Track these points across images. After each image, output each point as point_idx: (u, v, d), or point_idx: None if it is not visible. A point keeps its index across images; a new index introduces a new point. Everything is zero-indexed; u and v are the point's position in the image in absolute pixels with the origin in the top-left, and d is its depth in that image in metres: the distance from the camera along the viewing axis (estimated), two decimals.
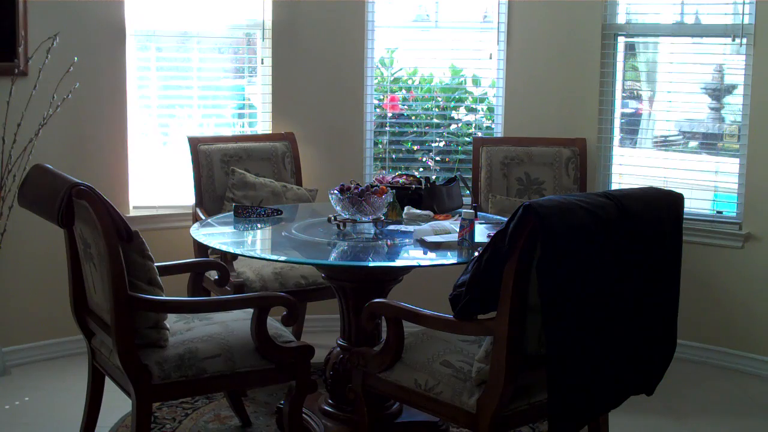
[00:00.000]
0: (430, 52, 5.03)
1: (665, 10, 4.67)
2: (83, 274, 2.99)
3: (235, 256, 3.71)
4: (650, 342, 2.67)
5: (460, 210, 3.73)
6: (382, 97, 4.96)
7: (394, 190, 3.53)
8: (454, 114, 5.08)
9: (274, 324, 3.02)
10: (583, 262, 2.41)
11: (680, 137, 4.79)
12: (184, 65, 4.77)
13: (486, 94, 4.99)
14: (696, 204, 4.47)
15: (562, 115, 4.74)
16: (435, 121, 5.00)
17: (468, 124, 5.09)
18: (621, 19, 4.68)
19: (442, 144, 5.07)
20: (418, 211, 3.58)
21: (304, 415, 3.13)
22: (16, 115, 3.98)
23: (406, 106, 5.04)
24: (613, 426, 3.03)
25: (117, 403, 3.39)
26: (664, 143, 4.81)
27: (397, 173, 4.06)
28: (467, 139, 4.95)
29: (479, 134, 4.93)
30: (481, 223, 3.39)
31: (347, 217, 3.32)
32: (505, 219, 2.47)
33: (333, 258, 3.21)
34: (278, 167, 4.48)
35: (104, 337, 2.87)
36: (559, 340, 2.39)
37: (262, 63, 4.76)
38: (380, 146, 4.96)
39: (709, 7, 4.56)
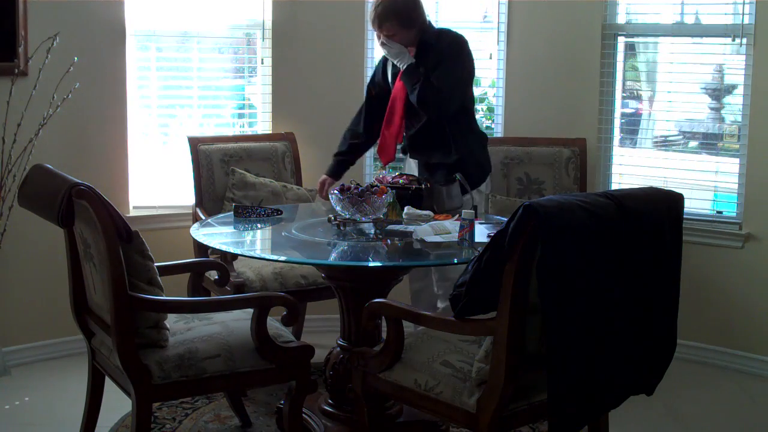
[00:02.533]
0: None
1: (665, 10, 4.67)
2: (83, 274, 2.99)
3: (235, 256, 3.71)
4: (650, 342, 2.67)
5: (460, 210, 3.73)
6: None
7: (394, 190, 3.53)
8: None
9: (274, 324, 3.02)
10: (583, 262, 2.41)
11: (680, 137, 4.79)
12: (184, 65, 4.77)
13: (486, 94, 4.99)
14: (696, 204, 4.47)
15: (562, 115, 4.73)
16: None
17: None
18: (621, 19, 4.68)
19: None
20: (418, 211, 3.58)
21: (304, 415, 3.13)
22: (16, 115, 3.98)
23: None
24: (613, 426, 3.02)
25: (117, 403, 3.39)
26: (664, 143, 4.81)
27: (397, 173, 4.06)
28: None
29: None
30: (481, 223, 3.39)
31: (347, 217, 3.32)
32: (505, 219, 2.47)
33: (333, 258, 3.21)
34: (278, 167, 4.48)
35: (104, 337, 2.87)
36: (559, 340, 2.39)
37: (262, 63, 4.76)
38: None
39: (709, 7, 4.56)
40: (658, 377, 2.76)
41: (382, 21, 3.77)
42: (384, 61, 4.03)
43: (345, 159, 4.15)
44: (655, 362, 2.73)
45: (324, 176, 4.13)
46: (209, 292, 3.85)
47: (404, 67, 3.79)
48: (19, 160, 3.99)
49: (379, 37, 3.84)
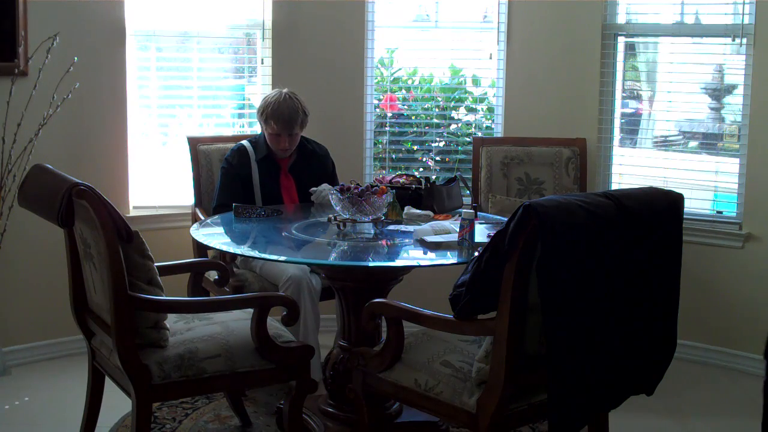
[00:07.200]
0: (430, 52, 5.03)
1: (665, 10, 4.67)
2: (83, 274, 2.99)
3: (234, 257, 3.71)
4: (650, 342, 2.68)
5: (460, 210, 3.73)
6: (381, 97, 4.96)
7: (394, 190, 3.53)
8: (454, 114, 5.08)
9: (274, 324, 3.02)
10: (583, 262, 2.41)
11: (680, 137, 4.79)
12: (184, 65, 4.77)
13: (486, 94, 4.99)
14: (696, 204, 4.47)
15: (562, 115, 4.73)
16: (435, 121, 5.00)
17: (468, 124, 5.09)
18: (621, 19, 4.68)
19: (442, 144, 5.07)
20: (418, 211, 3.58)
21: (304, 415, 3.13)
22: (16, 115, 3.97)
23: (406, 106, 5.04)
24: (613, 426, 3.02)
25: (117, 403, 3.38)
26: (664, 143, 4.82)
27: (397, 173, 4.06)
28: (467, 139, 4.95)
29: (479, 134, 4.93)
30: (481, 223, 3.39)
31: (347, 217, 3.32)
32: (505, 219, 2.47)
33: (333, 258, 3.21)
34: None
35: (104, 337, 2.87)
36: (558, 340, 2.39)
37: (262, 63, 4.76)
38: (380, 146, 4.96)
39: (709, 7, 4.56)
40: (659, 377, 2.76)
41: (296, 123, 3.94)
42: (246, 161, 4.02)
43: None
44: (655, 362, 2.73)
45: None
46: (209, 292, 3.84)
47: None
48: (19, 160, 3.99)
49: (284, 142, 3.95)
